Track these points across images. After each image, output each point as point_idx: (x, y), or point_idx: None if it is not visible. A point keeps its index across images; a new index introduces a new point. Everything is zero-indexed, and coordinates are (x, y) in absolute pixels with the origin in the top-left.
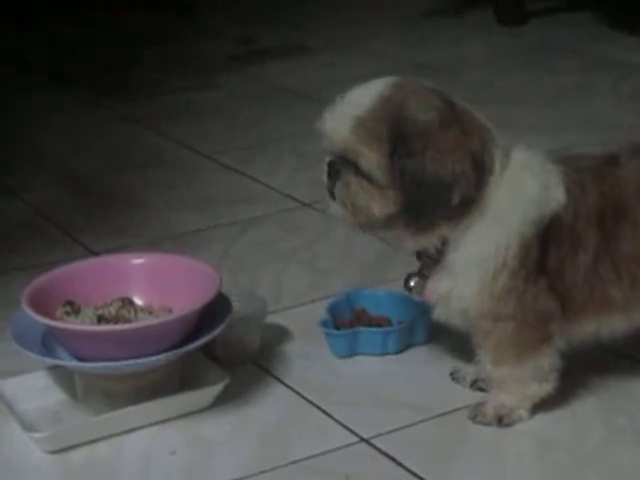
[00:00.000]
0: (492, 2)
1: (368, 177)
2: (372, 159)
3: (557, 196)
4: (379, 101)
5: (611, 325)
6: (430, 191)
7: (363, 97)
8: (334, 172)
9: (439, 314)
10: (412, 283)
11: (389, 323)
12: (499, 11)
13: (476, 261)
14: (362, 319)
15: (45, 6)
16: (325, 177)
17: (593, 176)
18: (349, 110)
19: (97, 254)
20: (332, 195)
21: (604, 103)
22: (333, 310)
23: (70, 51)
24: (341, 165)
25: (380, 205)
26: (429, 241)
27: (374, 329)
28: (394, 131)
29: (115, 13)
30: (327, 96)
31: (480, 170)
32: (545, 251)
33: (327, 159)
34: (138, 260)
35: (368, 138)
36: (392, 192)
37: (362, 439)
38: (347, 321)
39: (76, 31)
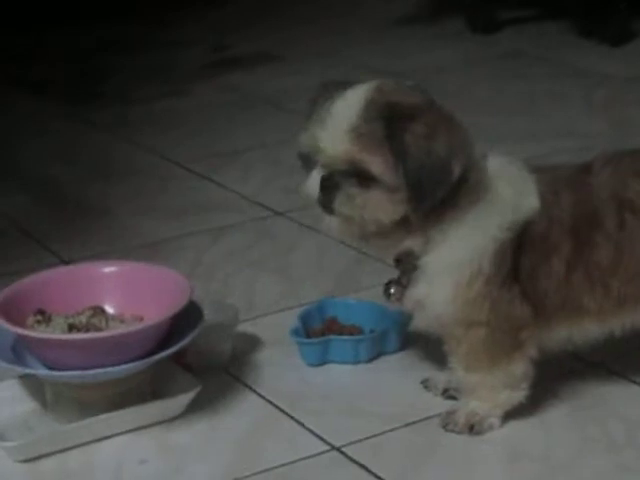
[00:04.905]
0: (464, 10)
1: (378, 183)
2: (379, 163)
3: (531, 202)
4: (367, 105)
5: (584, 332)
6: (431, 166)
7: (351, 105)
8: (332, 186)
9: (418, 321)
10: (392, 290)
11: (360, 332)
12: (471, 19)
13: (452, 266)
14: (333, 328)
15: (16, 16)
16: (317, 192)
17: (567, 185)
18: (341, 121)
19: (68, 262)
20: (327, 210)
21: (576, 111)
22: (304, 319)
23: (42, 60)
24: (340, 178)
25: (389, 211)
26: (415, 242)
27: (346, 337)
28: (387, 126)
29: (87, 23)
30: (299, 105)
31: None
32: (519, 257)
33: (320, 174)
34: (109, 269)
35: (369, 143)
36: (401, 193)
37: (333, 447)
38: (318, 330)
39: (48, 40)
